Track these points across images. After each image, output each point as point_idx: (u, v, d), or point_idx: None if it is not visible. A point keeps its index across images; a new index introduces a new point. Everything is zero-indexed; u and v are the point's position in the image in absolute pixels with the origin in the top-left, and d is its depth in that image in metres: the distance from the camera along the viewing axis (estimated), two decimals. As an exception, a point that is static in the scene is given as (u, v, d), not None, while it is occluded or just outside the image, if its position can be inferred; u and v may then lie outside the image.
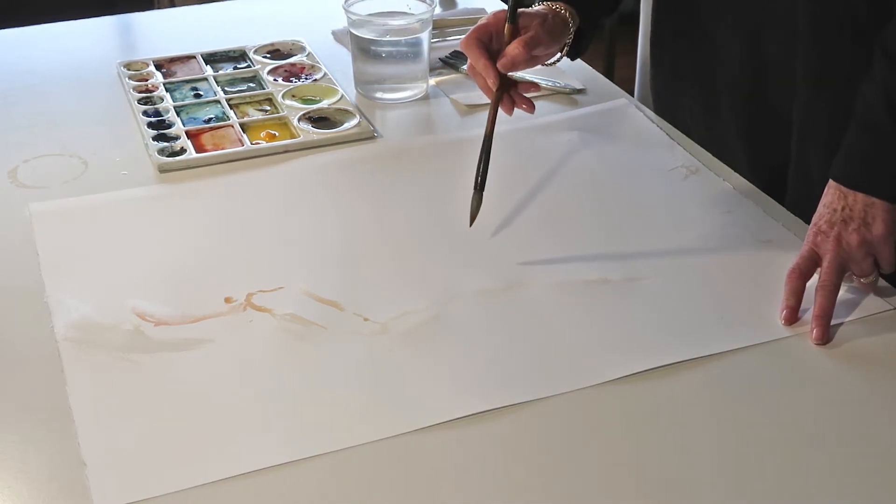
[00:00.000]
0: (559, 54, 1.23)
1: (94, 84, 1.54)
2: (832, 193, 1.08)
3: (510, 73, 1.15)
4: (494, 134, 1.13)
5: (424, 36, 1.46)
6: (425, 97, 1.50)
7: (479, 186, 1.12)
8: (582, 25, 1.22)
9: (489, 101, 1.16)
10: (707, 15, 1.31)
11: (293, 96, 1.47)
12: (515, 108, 1.15)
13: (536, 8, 1.20)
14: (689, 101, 1.39)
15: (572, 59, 1.27)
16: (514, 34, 1.15)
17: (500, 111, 1.14)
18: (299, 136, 1.38)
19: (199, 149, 1.35)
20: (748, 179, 1.28)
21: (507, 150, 1.25)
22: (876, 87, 1.07)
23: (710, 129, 1.36)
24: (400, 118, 1.46)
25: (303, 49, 1.61)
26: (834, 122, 1.12)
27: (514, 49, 1.13)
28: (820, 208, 1.09)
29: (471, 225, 1.11)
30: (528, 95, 1.16)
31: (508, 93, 1.15)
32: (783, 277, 1.07)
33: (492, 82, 1.12)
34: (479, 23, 1.16)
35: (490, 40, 1.15)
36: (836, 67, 1.17)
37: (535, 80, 1.17)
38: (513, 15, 1.15)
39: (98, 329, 1.04)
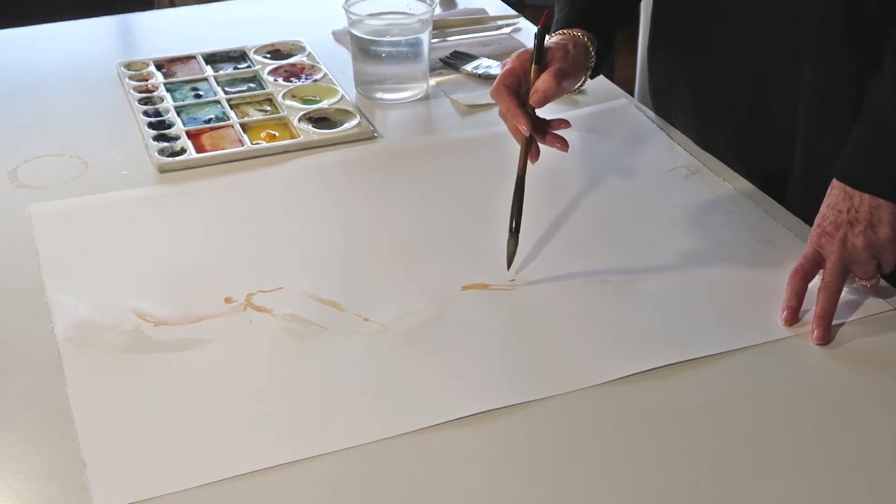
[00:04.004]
0: (583, 80, 1.23)
1: (94, 84, 1.54)
2: (836, 194, 1.07)
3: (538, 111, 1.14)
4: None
5: (424, 36, 1.46)
6: (425, 97, 1.50)
7: (515, 230, 1.10)
8: (599, 46, 1.22)
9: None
10: (706, 26, 1.30)
11: (293, 96, 1.47)
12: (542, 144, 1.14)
13: (554, 40, 1.18)
14: (682, 108, 1.39)
15: (592, 79, 1.26)
16: (541, 73, 1.13)
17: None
18: (299, 137, 1.38)
19: (200, 149, 1.35)
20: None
21: (508, 150, 1.25)
22: (884, 86, 1.06)
23: (703, 139, 1.35)
24: (400, 118, 1.46)
25: (303, 49, 1.61)
26: (845, 133, 1.11)
27: (544, 82, 1.12)
28: (823, 209, 1.08)
29: (508, 268, 1.10)
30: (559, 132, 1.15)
31: (541, 132, 1.14)
32: (783, 278, 1.07)
33: (524, 128, 1.11)
34: (505, 68, 1.14)
35: (518, 84, 1.13)
36: (847, 75, 1.16)
37: (566, 118, 1.17)
38: (539, 55, 1.13)
39: (98, 329, 1.04)
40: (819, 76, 1.18)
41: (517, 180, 1.12)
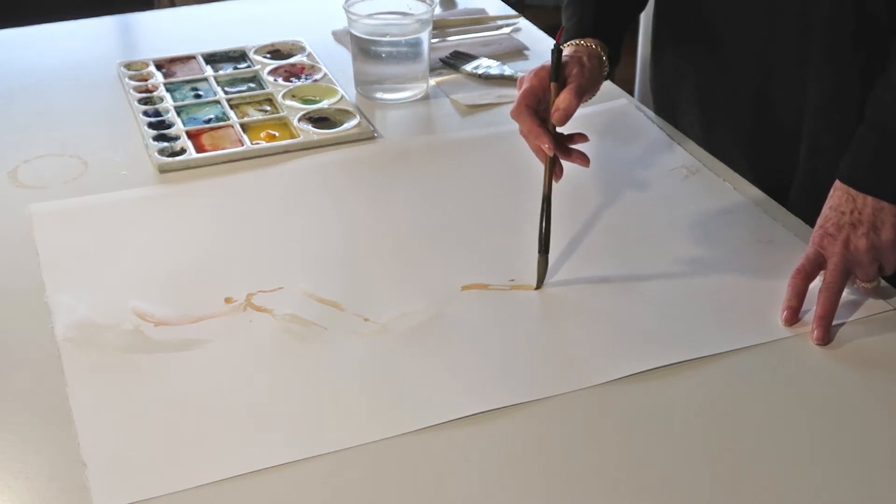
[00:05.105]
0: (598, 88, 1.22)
1: (94, 84, 1.54)
2: (839, 196, 1.07)
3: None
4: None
5: (424, 36, 1.46)
6: (425, 97, 1.50)
7: (544, 250, 1.10)
8: (610, 52, 1.21)
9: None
10: (712, 22, 1.30)
11: (293, 96, 1.47)
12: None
13: (568, 52, 1.17)
14: (688, 107, 1.38)
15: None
16: (560, 89, 1.12)
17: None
18: (299, 137, 1.38)
19: (199, 149, 1.35)
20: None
21: (508, 150, 1.25)
22: (889, 89, 1.06)
23: (708, 138, 1.35)
24: (400, 118, 1.46)
25: (303, 49, 1.61)
26: (850, 135, 1.11)
27: (564, 100, 1.11)
28: (826, 210, 1.08)
29: (537, 287, 1.10)
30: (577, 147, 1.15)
31: (562, 149, 1.13)
32: (783, 278, 1.07)
33: (548, 147, 1.10)
34: (525, 87, 1.13)
35: (538, 103, 1.12)
36: (853, 77, 1.16)
37: (583, 132, 1.16)
38: (556, 73, 1.12)
39: (98, 329, 1.04)
40: (825, 77, 1.18)
41: (543, 201, 1.11)
